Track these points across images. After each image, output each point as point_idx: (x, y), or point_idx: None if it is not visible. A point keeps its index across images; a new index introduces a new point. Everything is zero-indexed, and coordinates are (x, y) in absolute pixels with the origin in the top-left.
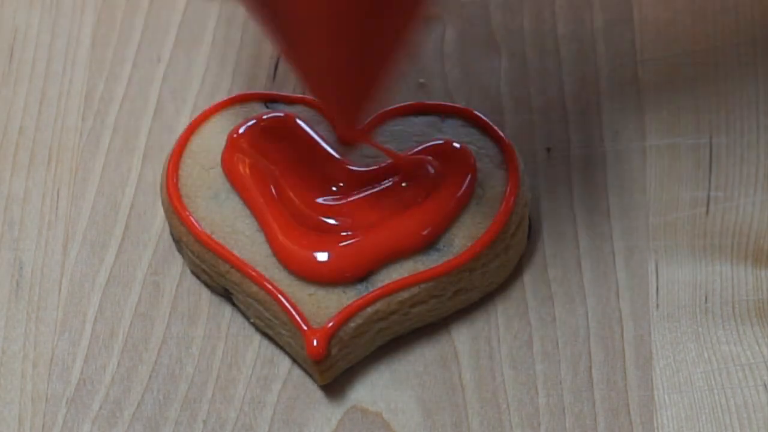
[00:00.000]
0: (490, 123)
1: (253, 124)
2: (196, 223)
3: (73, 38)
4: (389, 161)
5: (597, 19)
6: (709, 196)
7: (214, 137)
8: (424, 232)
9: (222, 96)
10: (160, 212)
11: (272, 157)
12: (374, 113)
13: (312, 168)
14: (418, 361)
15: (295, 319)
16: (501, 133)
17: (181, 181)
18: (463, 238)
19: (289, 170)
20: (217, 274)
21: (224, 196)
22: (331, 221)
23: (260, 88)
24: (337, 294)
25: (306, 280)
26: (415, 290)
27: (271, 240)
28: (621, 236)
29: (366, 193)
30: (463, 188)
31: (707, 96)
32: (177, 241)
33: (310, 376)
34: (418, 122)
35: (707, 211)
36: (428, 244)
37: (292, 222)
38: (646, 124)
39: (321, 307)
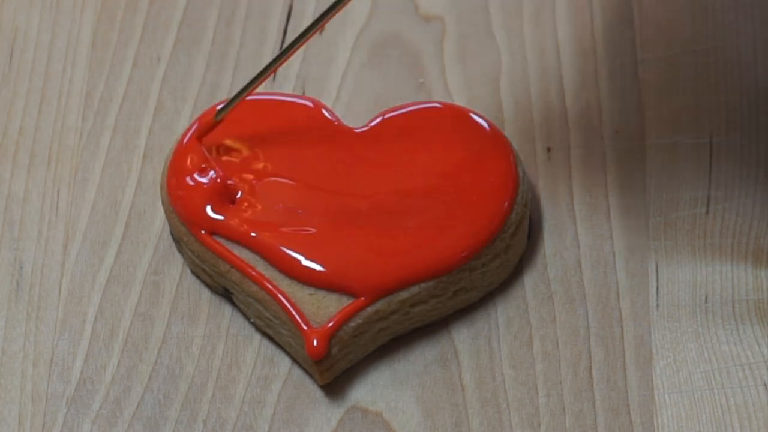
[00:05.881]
0: (491, 123)
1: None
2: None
3: (73, 38)
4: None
5: (597, 19)
6: (709, 196)
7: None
8: (463, 254)
9: (222, 96)
10: (160, 212)
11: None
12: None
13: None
14: (418, 361)
15: (295, 318)
16: (501, 133)
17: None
18: None
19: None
20: (217, 274)
21: None
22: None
23: (260, 88)
24: (337, 294)
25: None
26: (415, 290)
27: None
28: (621, 236)
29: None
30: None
31: (707, 96)
32: (177, 241)
33: (310, 375)
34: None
35: (707, 211)
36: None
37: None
38: (646, 124)
39: (321, 306)
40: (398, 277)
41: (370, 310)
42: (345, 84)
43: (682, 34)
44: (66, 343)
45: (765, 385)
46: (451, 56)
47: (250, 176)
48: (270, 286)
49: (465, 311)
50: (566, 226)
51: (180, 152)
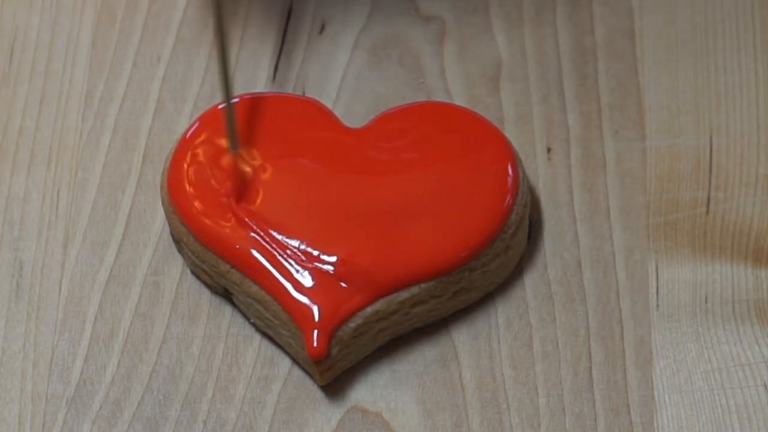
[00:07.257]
0: (490, 123)
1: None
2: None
3: (73, 38)
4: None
5: (597, 19)
6: (709, 196)
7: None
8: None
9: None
10: (160, 212)
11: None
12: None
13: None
14: (418, 361)
15: (296, 319)
16: (501, 133)
17: None
18: None
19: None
20: (218, 274)
21: None
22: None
23: (260, 88)
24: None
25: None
26: (415, 290)
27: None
28: (621, 236)
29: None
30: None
31: (707, 96)
32: (177, 241)
33: (310, 376)
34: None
35: (707, 211)
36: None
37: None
38: (646, 124)
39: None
40: (398, 277)
41: (370, 310)
42: (345, 84)
43: (683, 34)
44: (66, 343)
45: (765, 385)
46: (451, 56)
47: (249, 176)
48: (270, 287)
49: (465, 311)
50: (566, 226)
51: (181, 152)
